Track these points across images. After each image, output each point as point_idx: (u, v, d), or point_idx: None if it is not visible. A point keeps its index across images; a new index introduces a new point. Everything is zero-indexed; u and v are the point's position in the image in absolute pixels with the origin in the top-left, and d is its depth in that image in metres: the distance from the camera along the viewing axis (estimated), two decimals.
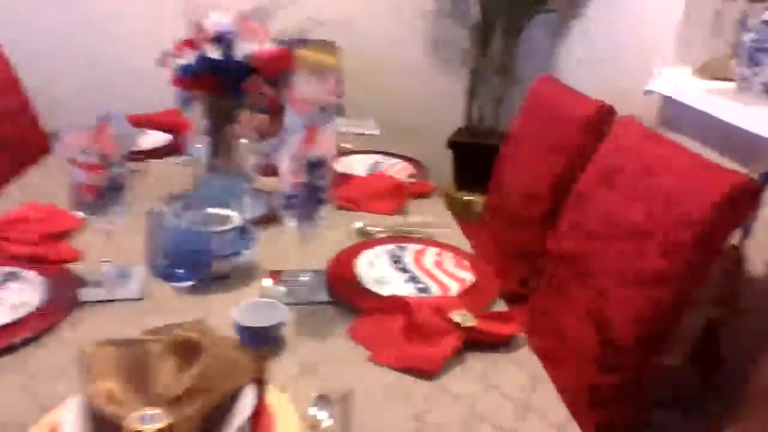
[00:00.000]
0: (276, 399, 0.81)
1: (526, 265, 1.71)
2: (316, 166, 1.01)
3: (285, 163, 1.01)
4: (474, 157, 2.43)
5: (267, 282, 1.12)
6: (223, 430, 0.71)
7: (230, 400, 0.74)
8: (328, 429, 0.79)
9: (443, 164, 2.50)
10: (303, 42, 1.54)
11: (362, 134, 2.08)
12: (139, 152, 1.71)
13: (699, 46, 1.66)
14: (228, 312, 0.96)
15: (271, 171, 1.65)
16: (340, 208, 1.49)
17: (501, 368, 0.95)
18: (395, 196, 1.53)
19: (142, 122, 1.89)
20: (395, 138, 2.03)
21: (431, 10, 2.55)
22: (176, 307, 1.03)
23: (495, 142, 2.44)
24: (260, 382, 0.79)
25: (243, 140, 1.36)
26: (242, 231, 1.13)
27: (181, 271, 0.88)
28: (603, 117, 1.59)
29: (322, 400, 0.83)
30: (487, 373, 0.94)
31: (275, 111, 1.26)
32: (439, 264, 1.23)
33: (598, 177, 1.42)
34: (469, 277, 1.18)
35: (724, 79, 1.58)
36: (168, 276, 0.90)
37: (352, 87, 2.20)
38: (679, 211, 1.15)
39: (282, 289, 1.10)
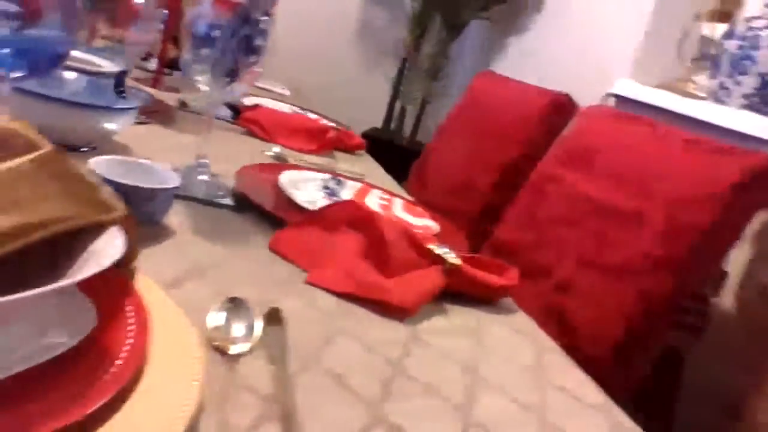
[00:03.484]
0: (151, 294, 0.43)
1: None
2: None
3: None
4: (389, 157, 2.16)
5: None
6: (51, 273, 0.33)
7: (72, 237, 0.35)
8: (243, 354, 0.43)
9: None
10: None
11: (271, 91, 1.73)
12: None
13: (660, 64, 1.56)
14: None
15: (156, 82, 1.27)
16: (249, 134, 1.12)
17: (493, 328, 0.64)
18: (318, 137, 1.19)
19: None
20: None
21: None
22: None
23: (412, 146, 2.21)
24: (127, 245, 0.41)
25: None
26: (117, 84, 0.73)
27: (5, 51, 0.48)
28: (562, 106, 1.41)
29: (235, 309, 0.46)
30: (476, 330, 0.62)
31: None
32: (387, 208, 0.90)
33: (565, 159, 1.20)
34: (430, 224, 0.87)
35: (684, 95, 1.47)
36: None
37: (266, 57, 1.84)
38: (686, 192, 0.94)
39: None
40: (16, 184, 0.34)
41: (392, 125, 2.28)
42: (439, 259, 0.66)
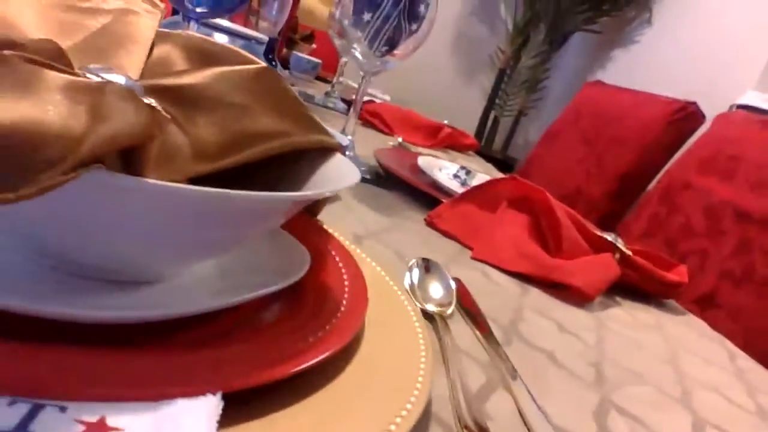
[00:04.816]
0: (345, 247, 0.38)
1: None
2: None
3: None
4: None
5: None
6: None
7: (298, 158, 0.31)
8: (447, 316, 0.38)
9: None
10: None
11: (374, 96, 1.72)
12: None
13: None
14: None
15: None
16: (366, 124, 1.10)
17: (672, 327, 0.57)
18: (433, 134, 1.16)
19: None
20: None
21: (465, 7, 2.25)
22: None
23: (504, 159, 2.15)
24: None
25: None
26: (269, 50, 0.71)
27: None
28: (692, 114, 1.32)
29: (426, 272, 0.41)
30: (658, 326, 0.55)
31: None
32: None
33: (700, 167, 1.12)
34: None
35: None
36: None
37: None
38: None
39: None
40: (240, 90, 0.30)
41: (483, 138, 2.22)
42: (608, 247, 0.60)
